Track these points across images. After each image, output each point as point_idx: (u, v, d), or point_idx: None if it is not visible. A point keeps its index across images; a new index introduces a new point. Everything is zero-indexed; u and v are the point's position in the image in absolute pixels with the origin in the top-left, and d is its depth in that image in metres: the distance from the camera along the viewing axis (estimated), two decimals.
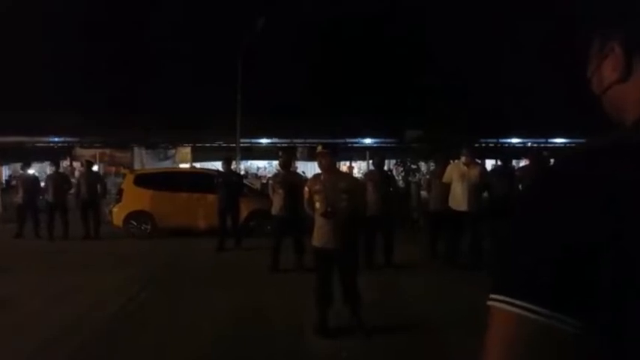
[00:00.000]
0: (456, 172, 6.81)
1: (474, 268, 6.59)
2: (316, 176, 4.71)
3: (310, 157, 20.31)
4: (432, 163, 16.11)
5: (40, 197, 10.21)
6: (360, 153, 21.36)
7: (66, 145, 21.49)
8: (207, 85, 22.05)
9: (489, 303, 0.64)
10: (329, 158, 4.51)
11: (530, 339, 0.59)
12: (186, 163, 19.87)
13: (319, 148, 4.52)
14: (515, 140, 22.18)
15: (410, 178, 14.08)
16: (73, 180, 12.03)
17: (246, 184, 10.94)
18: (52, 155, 15.08)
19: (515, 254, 0.64)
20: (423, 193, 11.72)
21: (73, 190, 10.63)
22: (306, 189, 4.69)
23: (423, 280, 6.39)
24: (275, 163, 24.71)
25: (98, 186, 10.14)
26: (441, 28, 24.72)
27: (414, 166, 14.40)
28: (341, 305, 4.52)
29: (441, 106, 17.83)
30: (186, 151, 20.97)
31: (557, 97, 20.37)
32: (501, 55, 23.23)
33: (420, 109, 18.58)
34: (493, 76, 21.87)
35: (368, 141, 22.29)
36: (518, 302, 0.60)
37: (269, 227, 9.24)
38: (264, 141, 23.04)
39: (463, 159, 6.75)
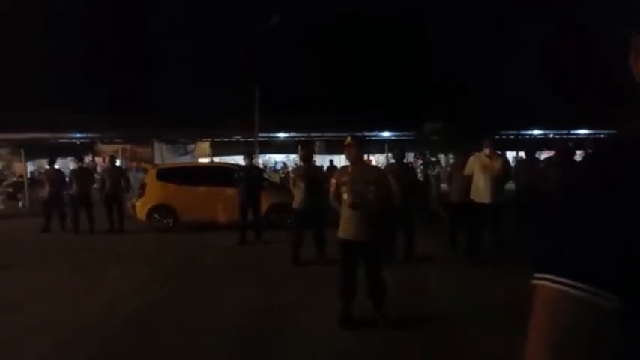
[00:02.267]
0: (477, 164, 6.72)
1: (496, 261, 6.54)
2: (344, 168, 4.71)
3: (328, 151, 20.32)
4: (451, 156, 15.98)
5: (65, 192, 10.43)
6: (379, 146, 21.30)
7: (87, 141, 21.92)
8: (225, 81, 22.20)
9: (534, 282, 0.69)
10: (356, 150, 4.50)
11: (571, 312, 0.64)
12: (205, 157, 20.06)
13: (348, 140, 4.50)
14: (536, 132, 21.86)
15: (429, 171, 13.97)
16: (96, 175, 12.24)
17: (266, 178, 11.00)
18: (75, 151, 15.38)
19: (562, 237, 0.69)
20: (443, 185, 11.64)
21: (96, 185, 10.83)
22: (333, 181, 4.68)
23: (443, 274, 6.36)
24: (292, 157, 24.85)
25: (122, 181, 10.32)
26: (457, 21, 24.53)
27: (433, 159, 14.28)
28: (365, 297, 4.53)
29: (459, 98, 17.62)
30: (204, 146, 21.17)
31: (580, 89, 20.08)
32: (522, 45, 22.90)
33: (438, 101, 18.43)
34: (514, 68, 21.59)
35: (386, 134, 22.20)
36: (562, 279, 0.65)
37: (289, 221, 9.31)
38: (281, 135, 23.13)
39: (486, 151, 6.66)
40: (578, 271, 0.65)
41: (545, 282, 0.68)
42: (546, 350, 0.65)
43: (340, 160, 21.81)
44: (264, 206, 9.32)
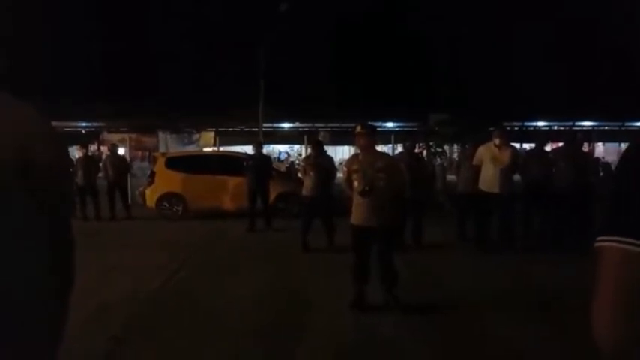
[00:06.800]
0: (487, 154, 6.77)
1: (505, 250, 6.62)
2: (355, 156, 4.77)
3: (332, 141, 20.37)
4: (456, 146, 16.04)
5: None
6: (384, 137, 21.31)
7: (93, 129, 21.98)
8: (230, 71, 22.18)
9: (599, 244, 0.79)
10: (367, 138, 4.55)
11: (632, 265, 0.74)
12: (210, 147, 20.09)
13: (358, 128, 4.54)
14: (541, 124, 21.86)
15: (433, 162, 14.05)
16: (101, 164, 12.26)
17: (274, 168, 11.07)
18: (80, 140, 15.42)
19: (623, 206, 0.79)
20: (449, 176, 11.70)
21: (101, 174, 10.86)
22: (345, 168, 4.75)
23: (451, 263, 6.45)
24: (297, 147, 24.87)
25: (123, 167, 10.49)
26: (462, 13, 24.47)
27: (439, 149, 14.36)
28: (377, 282, 4.61)
29: (464, 89, 17.61)
30: (209, 135, 21.16)
31: (585, 81, 20.06)
32: (526, 36, 22.82)
33: (443, 92, 18.43)
34: (518, 59, 21.55)
35: (390, 125, 22.24)
36: (624, 239, 0.75)
37: (296, 209, 9.39)
38: (286, 125, 23.18)
39: (496, 141, 6.71)
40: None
41: (611, 243, 0.77)
42: (615, 299, 0.74)
43: (343, 151, 21.88)
44: (272, 195, 9.39)
